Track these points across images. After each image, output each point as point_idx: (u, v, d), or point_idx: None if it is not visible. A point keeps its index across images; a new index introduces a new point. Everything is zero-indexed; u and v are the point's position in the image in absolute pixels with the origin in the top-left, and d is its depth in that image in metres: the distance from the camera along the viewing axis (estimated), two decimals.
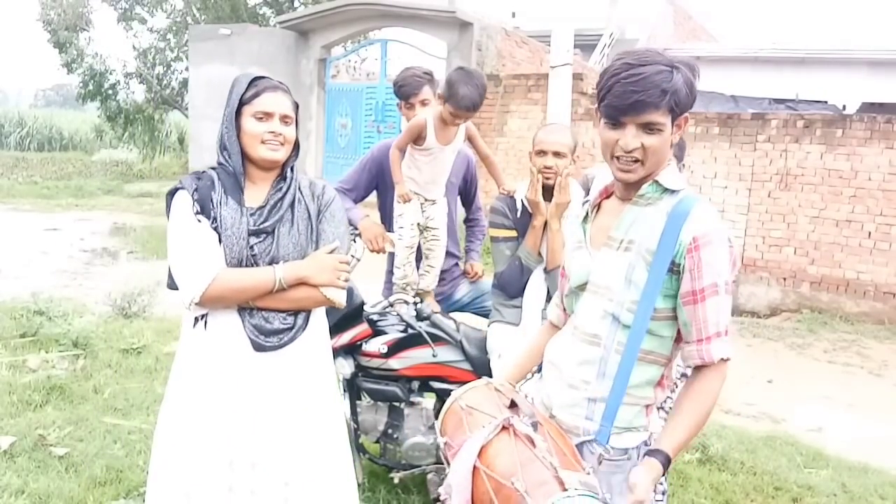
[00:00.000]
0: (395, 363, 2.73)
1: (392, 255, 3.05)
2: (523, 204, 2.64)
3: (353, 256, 3.07)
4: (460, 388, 1.82)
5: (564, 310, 1.78)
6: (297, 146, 1.93)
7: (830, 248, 7.44)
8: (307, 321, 1.89)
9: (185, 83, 16.75)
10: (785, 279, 7.70)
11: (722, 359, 1.51)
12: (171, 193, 1.87)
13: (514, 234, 2.67)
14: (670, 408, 2.72)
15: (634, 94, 1.45)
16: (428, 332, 2.73)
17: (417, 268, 3.03)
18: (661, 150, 1.51)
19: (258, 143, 1.83)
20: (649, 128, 1.49)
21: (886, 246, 7.18)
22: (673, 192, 1.55)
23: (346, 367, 2.75)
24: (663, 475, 1.48)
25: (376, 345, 2.73)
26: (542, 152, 2.59)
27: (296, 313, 1.87)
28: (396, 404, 2.82)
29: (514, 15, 16.26)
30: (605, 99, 1.51)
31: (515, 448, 1.50)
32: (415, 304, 2.82)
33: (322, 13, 10.86)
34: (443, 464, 2.72)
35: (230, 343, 1.82)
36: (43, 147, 19.98)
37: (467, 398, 1.75)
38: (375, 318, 2.79)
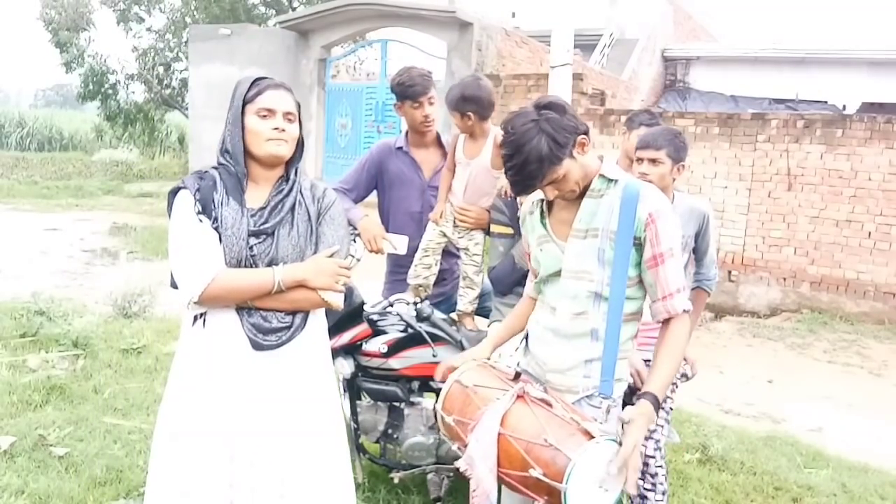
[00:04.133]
0: (395, 363, 2.72)
1: (392, 255, 3.04)
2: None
3: (352, 256, 3.06)
4: (455, 370, 1.95)
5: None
6: (300, 146, 1.93)
7: (830, 248, 7.44)
8: (305, 321, 1.91)
9: (184, 83, 16.74)
10: (785, 279, 7.70)
11: (685, 310, 1.80)
12: (174, 192, 1.88)
13: (510, 231, 2.67)
14: (670, 408, 2.74)
15: (523, 182, 1.76)
16: (428, 332, 2.72)
17: (446, 280, 2.98)
18: (574, 177, 1.78)
19: (263, 141, 1.84)
20: (554, 182, 1.77)
21: (886, 246, 7.18)
22: (616, 181, 1.82)
23: (346, 367, 2.74)
24: (656, 413, 1.72)
25: (376, 345, 2.72)
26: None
27: (293, 313, 1.88)
28: (396, 404, 2.81)
29: (514, 15, 16.26)
30: (508, 179, 1.80)
31: (534, 412, 1.69)
32: (415, 304, 2.81)
33: (322, 13, 10.86)
34: (442, 464, 2.74)
35: (229, 341, 1.84)
36: (43, 147, 19.88)
37: (467, 378, 1.89)
38: (375, 317, 2.78)
